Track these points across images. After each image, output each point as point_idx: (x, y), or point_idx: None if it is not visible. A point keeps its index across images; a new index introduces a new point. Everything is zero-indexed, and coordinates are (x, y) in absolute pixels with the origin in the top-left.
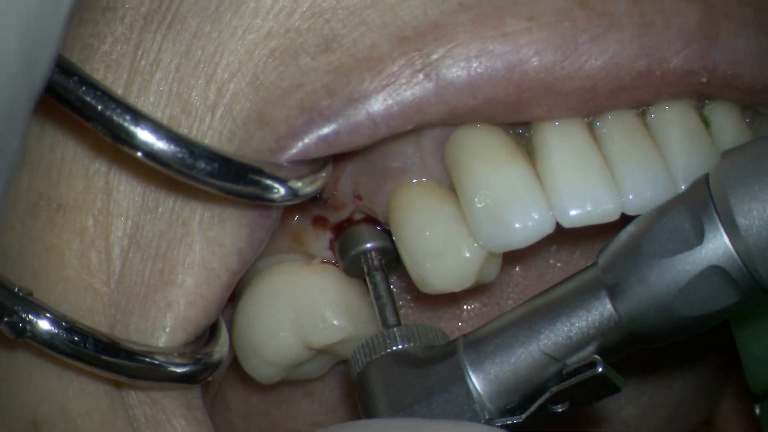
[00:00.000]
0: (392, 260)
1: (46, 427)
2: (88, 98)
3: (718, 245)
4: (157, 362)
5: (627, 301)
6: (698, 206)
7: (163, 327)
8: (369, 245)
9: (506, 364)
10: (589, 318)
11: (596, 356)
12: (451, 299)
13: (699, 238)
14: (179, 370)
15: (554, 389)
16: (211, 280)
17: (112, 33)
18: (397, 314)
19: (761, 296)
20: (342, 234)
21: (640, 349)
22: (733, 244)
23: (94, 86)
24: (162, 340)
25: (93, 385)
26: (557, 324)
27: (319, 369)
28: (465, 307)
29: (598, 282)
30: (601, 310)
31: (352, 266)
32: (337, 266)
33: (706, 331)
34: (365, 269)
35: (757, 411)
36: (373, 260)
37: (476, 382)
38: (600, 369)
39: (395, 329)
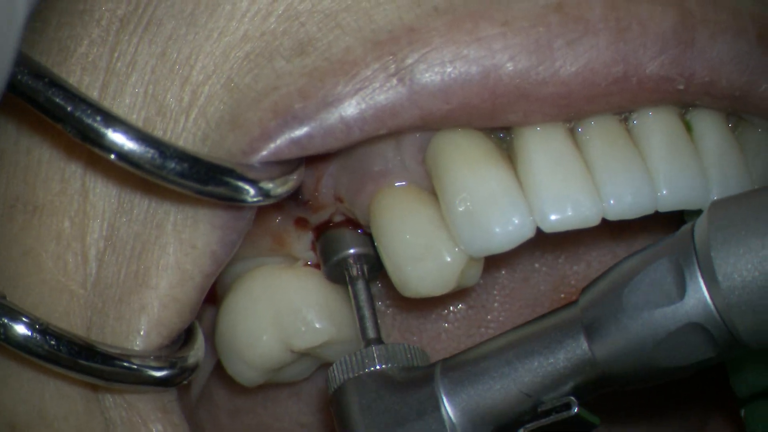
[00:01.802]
0: (375, 266)
1: (23, 430)
2: (57, 100)
3: (698, 302)
4: (132, 366)
5: (604, 346)
6: (681, 259)
7: (138, 330)
8: (351, 251)
9: (481, 397)
10: (566, 358)
11: (571, 397)
12: (436, 301)
13: (680, 293)
14: (155, 373)
15: (528, 427)
16: (184, 282)
17: (89, 35)
18: (377, 327)
19: (738, 351)
20: (323, 238)
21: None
22: (713, 301)
23: (63, 88)
24: (137, 343)
25: (69, 387)
26: (533, 362)
27: (302, 372)
28: (451, 308)
29: (578, 323)
30: (577, 352)
31: (334, 272)
32: (320, 269)
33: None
34: (347, 277)
35: (743, 415)
36: (355, 267)
37: (451, 411)
38: (575, 410)
39: (375, 348)
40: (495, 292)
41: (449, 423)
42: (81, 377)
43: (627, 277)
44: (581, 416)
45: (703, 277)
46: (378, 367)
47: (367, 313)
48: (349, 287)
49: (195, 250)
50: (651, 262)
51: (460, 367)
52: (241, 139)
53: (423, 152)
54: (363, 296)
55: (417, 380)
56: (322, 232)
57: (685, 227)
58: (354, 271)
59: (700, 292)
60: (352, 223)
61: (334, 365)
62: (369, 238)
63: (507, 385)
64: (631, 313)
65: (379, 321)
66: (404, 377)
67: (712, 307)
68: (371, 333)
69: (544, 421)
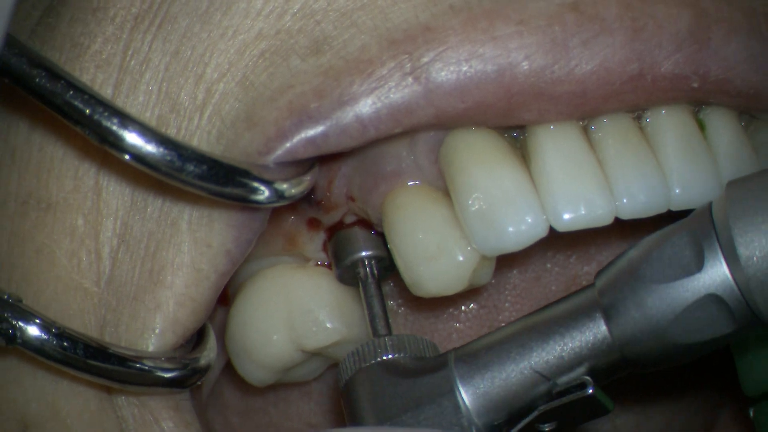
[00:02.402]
0: (386, 268)
1: (35, 427)
2: (75, 102)
3: (717, 274)
4: (145, 367)
5: (622, 325)
6: (700, 234)
7: (153, 328)
8: (363, 253)
9: (496, 380)
10: (583, 339)
11: (587, 377)
12: (448, 301)
13: (699, 265)
14: (167, 375)
15: (543, 408)
16: (199, 281)
17: (103, 33)
18: (388, 325)
19: (757, 327)
20: (335, 240)
21: (630, 374)
22: (732, 274)
23: (81, 90)
24: (152, 341)
25: (82, 385)
26: (550, 342)
27: (312, 372)
28: (462, 308)
29: (595, 303)
30: (595, 332)
31: (346, 274)
32: (331, 269)
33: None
34: (359, 278)
35: (752, 414)
36: (367, 269)
37: (465, 395)
38: (590, 390)
39: (386, 338)
40: (506, 292)
41: (464, 406)
42: (95, 379)
43: (644, 253)
44: (597, 398)
45: (722, 250)
46: (389, 357)
47: (378, 314)
48: (361, 288)
49: (210, 249)
50: (669, 238)
51: (474, 352)
52: (257, 139)
53: (436, 152)
54: (375, 298)
55: (430, 367)
56: (334, 233)
57: (702, 207)
58: (365, 273)
59: (719, 265)
60: (364, 223)
61: (345, 358)
62: (380, 239)
63: (523, 368)
64: (649, 287)
65: (390, 321)
66: (416, 365)
67: (731, 279)
68: (382, 330)
69: (558, 402)
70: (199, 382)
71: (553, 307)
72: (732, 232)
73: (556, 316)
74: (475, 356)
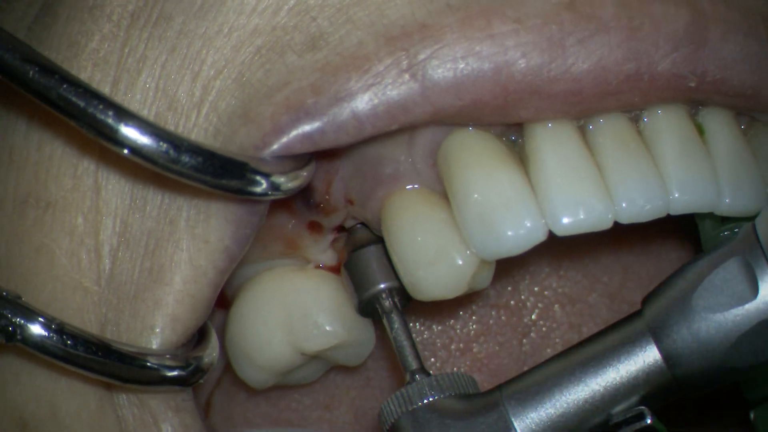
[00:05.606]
0: (406, 295)
1: (34, 427)
2: (70, 96)
3: None
4: (148, 365)
5: (676, 354)
6: (750, 258)
7: (152, 326)
8: (382, 286)
9: (552, 416)
10: (638, 369)
11: (643, 407)
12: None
13: (753, 292)
14: (170, 373)
15: None
16: (198, 278)
17: (100, 31)
18: (418, 357)
19: None
20: (350, 263)
21: (682, 397)
22: None
23: (76, 84)
24: (152, 340)
25: (82, 384)
26: (604, 374)
27: (312, 374)
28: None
29: (646, 332)
30: (648, 362)
31: (366, 307)
32: (331, 272)
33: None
34: (382, 312)
35: (752, 417)
36: (388, 301)
37: None
38: (649, 420)
39: (429, 379)
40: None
41: None
42: (97, 377)
43: (694, 281)
44: (654, 427)
45: None
46: (436, 397)
47: (405, 344)
48: (385, 321)
49: (208, 245)
50: (718, 265)
51: (525, 388)
52: (253, 134)
53: (434, 155)
54: (399, 328)
55: (480, 406)
56: (348, 260)
57: (746, 227)
58: (387, 305)
59: None
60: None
61: (387, 401)
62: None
63: (578, 401)
64: (704, 317)
65: (419, 350)
66: (465, 406)
67: None
68: (414, 364)
69: None
70: (201, 381)
71: (600, 338)
72: None
73: (606, 348)
74: (526, 392)
